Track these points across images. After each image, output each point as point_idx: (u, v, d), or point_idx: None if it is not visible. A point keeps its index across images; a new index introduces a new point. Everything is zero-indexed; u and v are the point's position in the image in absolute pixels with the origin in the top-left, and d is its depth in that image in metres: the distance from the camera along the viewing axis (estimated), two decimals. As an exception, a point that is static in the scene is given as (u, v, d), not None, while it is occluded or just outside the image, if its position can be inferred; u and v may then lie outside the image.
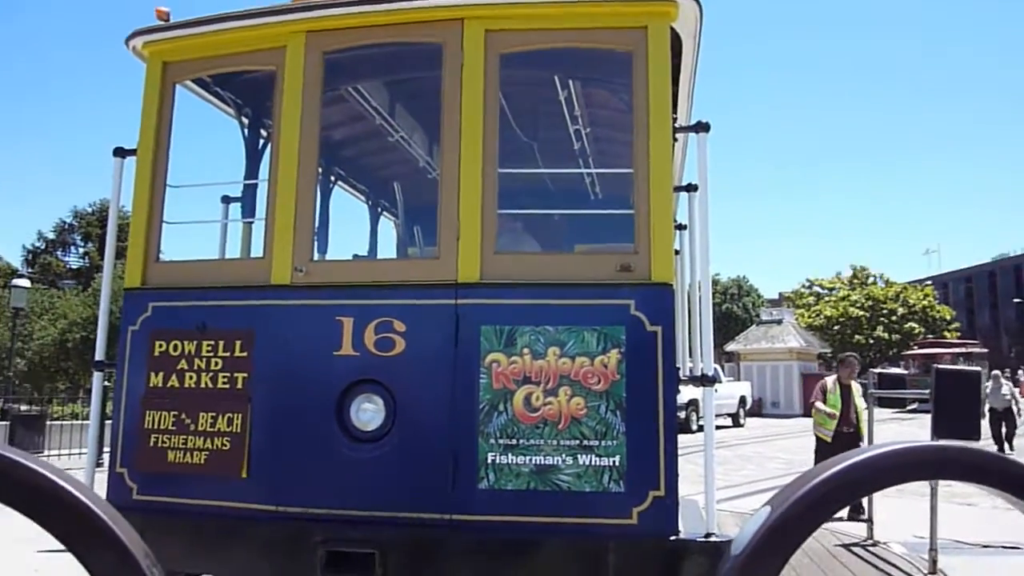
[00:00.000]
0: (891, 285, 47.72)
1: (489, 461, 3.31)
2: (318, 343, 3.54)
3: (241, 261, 4.39)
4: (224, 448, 3.60)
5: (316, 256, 3.78)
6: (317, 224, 5.49)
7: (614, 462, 3.28)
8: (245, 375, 3.64)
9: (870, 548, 7.41)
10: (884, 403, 8.71)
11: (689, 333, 5.40)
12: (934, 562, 6.39)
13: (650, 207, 3.47)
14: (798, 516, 0.88)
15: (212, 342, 3.72)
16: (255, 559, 3.41)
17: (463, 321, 3.42)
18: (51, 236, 46.25)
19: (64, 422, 18.13)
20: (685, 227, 5.30)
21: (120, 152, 4.13)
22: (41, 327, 28.87)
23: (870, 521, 7.66)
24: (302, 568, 3.25)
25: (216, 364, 3.71)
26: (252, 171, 4.97)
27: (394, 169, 6.41)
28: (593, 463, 3.28)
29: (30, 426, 16.93)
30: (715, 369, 3.56)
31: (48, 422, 17.55)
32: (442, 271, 3.52)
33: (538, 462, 3.30)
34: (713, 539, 3.22)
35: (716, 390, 3.51)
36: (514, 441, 3.31)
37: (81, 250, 46.95)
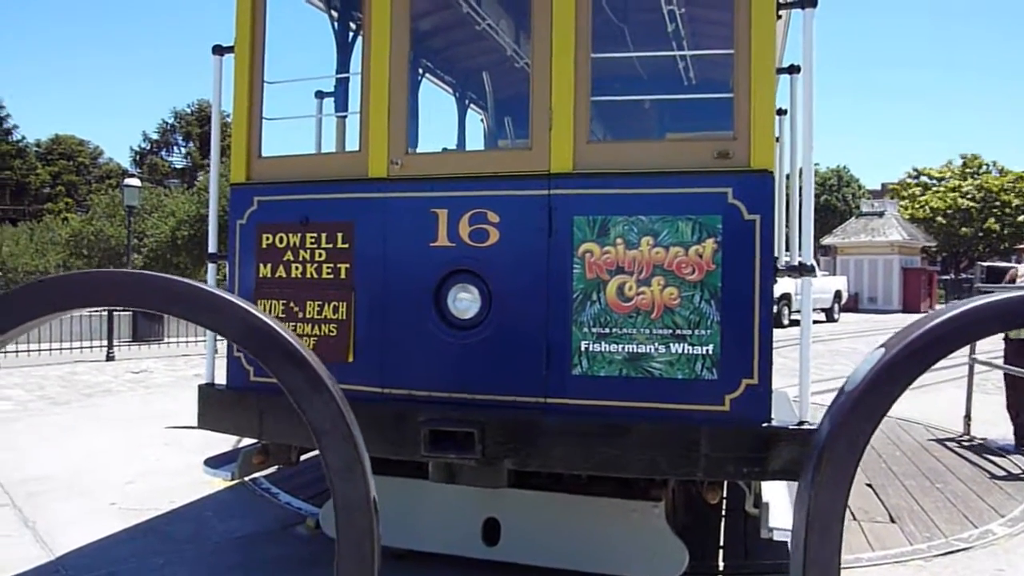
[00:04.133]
0: (1006, 174, 44.42)
1: (582, 349, 3.39)
2: (415, 234, 3.64)
3: (339, 155, 4.48)
4: (331, 334, 3.81)
5: (410, 149, 3.81)
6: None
7: (707, 350, 3.30)
8: (347, 265, 3.79)
9: (964, 443, 7.30)
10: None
11: (787, 223, 5.24)
12: None
13: (751, 89, 3.32)
14: (910, 356, 1.01)
15: (315, 234, 3.88)
16: (363, 436, 3.66)
17: (556, 211, 3.43)
18: (155, 137, 48.09)
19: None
20: (785, 112, 5.06)
21: (218, 50, 4.22)
22: (152, 224, 30.55)
23: (968, 417, 7.48)
24: (407, 445, 3.47)
25: (320, 255, 3.88)
26: (343, 65, 5.01)
27: (481, 59, 6.30)
28: (686, 351, 3.31)
29: (149, 315, 18.24)
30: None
31: (165, 312, 18.83)
32: (534, 161, 3.51)
33: (631, 350, 3.35)
34: (806, 427, 3.24)
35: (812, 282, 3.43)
36: (607, 330, 3.37)
37: (183, 150, 48.80)
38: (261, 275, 4.04)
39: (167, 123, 48.93)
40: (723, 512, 5.11)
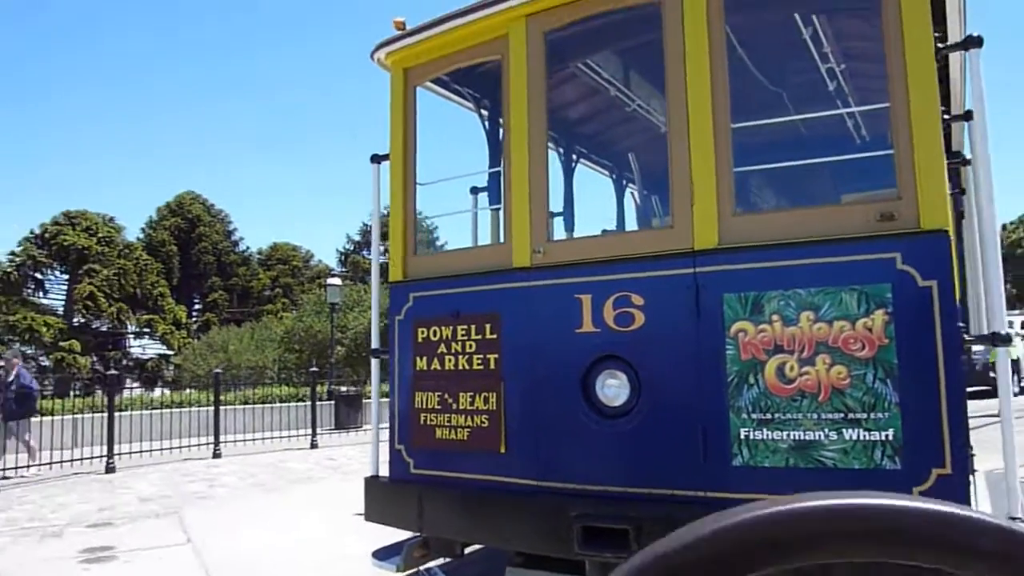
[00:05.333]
0: None
1: (742, 436, 3.12)
2: (559, 321, 3.59)
3: (486, 248, 4.60)
4: (483, 425, 3.81)
5: (554, 236, 3.82)
6: (560, 204, 5.58)
7: (887, 436, 2.91)
8: (496, 356, 3.81)
9: None
10: None
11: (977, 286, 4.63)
12: None
13: (912, 142, 3.01)
14: None
15: (465, 326, 3.95)
16: (515, 531, 3.57)
17: (703, 290, 3.25)
18: (357, 238, 52.49)
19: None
20: (969, 162, 4.54)
21: (376, 159, 4.53)
22: (354, 317, 33.02)
23: None
24: (560, 541, 3.33)
25: (470, 347, 3.93)
26: (495, 160, 5.19)
27: (633, 139, 6.30)
28: (861, 437, 2.94)
29: (350, 404, 19.51)
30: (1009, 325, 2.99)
31: (364, 400, 20.10)
32: (677, 239, 3.37)
33: (797, 437, 3.03)
34: (1020, 524, 2.72)
35: (1012, 351, 2.95)
36: (769, 415, 3.08)
37: (381, 248, 52.80)
38: (418, 368, 4.16)
39: (367, 225, 53.36)
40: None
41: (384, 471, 4.34)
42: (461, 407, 3.92)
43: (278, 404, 18.53)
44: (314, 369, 17.62)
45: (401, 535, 5.60)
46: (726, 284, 3.21)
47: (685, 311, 3.27)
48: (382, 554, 4.48)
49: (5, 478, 11.68)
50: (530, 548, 3.53)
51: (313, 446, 15.47)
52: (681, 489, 3.22)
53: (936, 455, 2.84)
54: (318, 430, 16.08)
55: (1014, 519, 2.74)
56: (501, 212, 5.32)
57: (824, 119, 5.04)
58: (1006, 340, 2.93)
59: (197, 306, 51.94)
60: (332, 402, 19.48)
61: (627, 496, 3.30)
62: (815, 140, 5.06)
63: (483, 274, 3.94)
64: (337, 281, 26.97)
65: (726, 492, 3.14)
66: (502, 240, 5.01)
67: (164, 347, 45.88)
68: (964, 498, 2.81)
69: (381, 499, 4.22)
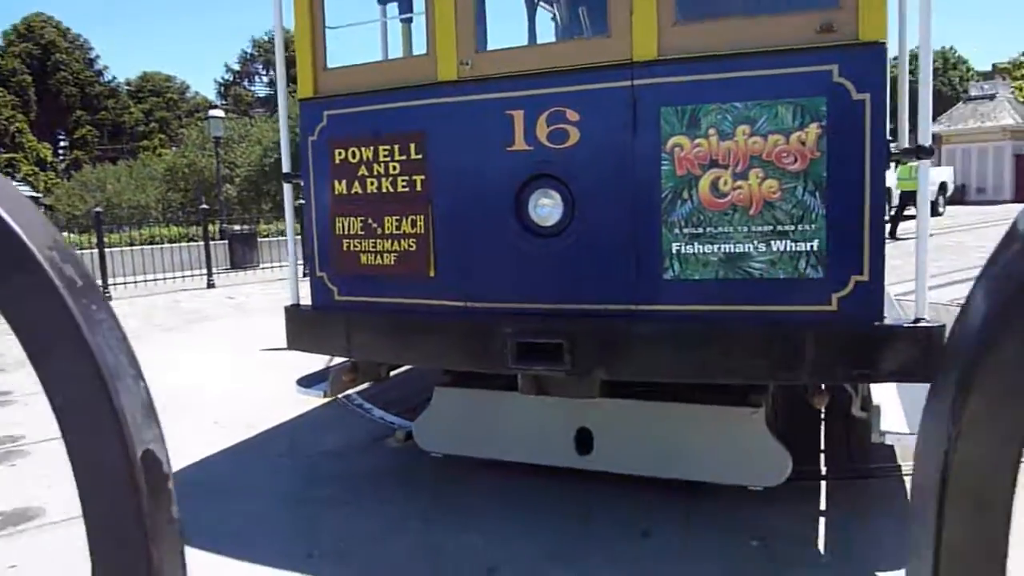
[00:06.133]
0: None
1: (674, 251, 3.17)
2: (489, 139, 3.45)
3: (405, 60, 4.29)
4: (411, 249, 3.71)
5: (479, 48, 3.57)
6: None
7: (812, 247, 3.03)
8: (422, 177, 3.65)
9: None
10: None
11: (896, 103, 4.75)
12: None
13: None
14: None
15: (388, 147, 3.74)
16: (449, 351, 3.60)
17: (641, 103, 3.16)
18: (236, 68, 48.77)
19: (272, 239, 20.09)
20: None
21: None
22: (241, 153, 31.31)
23: None
24: (494, 358, 3.38)
25: (394, 168, 3.74)
26: None
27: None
28: (788, 249, 3.05)
29: (244, 243, 18.89)
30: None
31: (259, 239, 19.50)
32: (615, 49, 3.22)
33: (727, 250, 3.11)
34: (923, 324, 2.96)
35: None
36: (701, 229, 3.13)
37: (265, 79, 49.43)
38: (337, 192, 3.95)
39: (247, 53, 49.48)
40: (822, 416, 4.92)
41: (305, 301, 4.23)
42: (387, 231, 3.79)
43: (167, 245, 17.72)
44: (205, 207, 16.76)
45: (318, 362, 5.62)
46: (664, 97, 3.13)
47: (621, 126, 3.19)
48: (306, 381, 4.46)
49: None
50: (464, 366, 3.59)
51: (210, 286, 15.03)
52: (613, 304, 3.28)
53: (856, 264, 2.99)
54: (213, 270, 15.57)
55: (918, 320, 2.96)
56: (414, 23, 4.97)
57: None
58: (929, 153, 3.03)
59: (63, 143, 47.74)
60: (225, 242, 18.79)
61: (561, 312, 3.35)
62: None
63: (405, 89, 3.69)
64: (220, 113, 25.21)
65: (656, 304, 3.23)
66: (415, 52, 4.69)
67: (29, 189, 42.46)
68: (879, 303, 2.99)
69: (305, 327, 4.14)
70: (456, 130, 3.53)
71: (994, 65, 47.97)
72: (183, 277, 15.58)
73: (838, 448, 4.51)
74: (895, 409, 3.39)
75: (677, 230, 3.15)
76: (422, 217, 3.67)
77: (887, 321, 3.01)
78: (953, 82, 41.93)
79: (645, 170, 3.17)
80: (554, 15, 6.40)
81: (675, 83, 3.13)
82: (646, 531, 3.49)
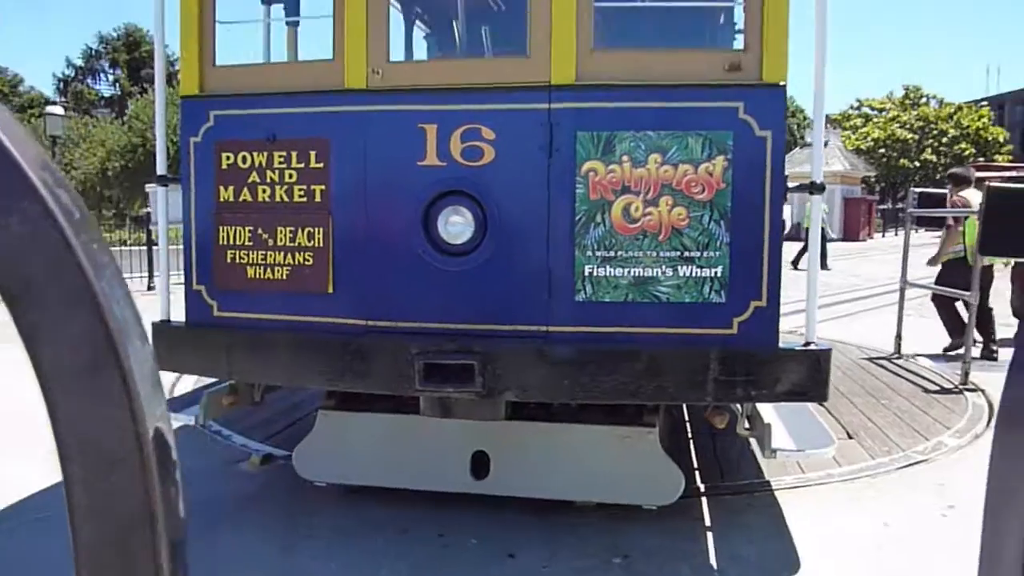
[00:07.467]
0: (945, 106, 45.46)
1: (586, 273, 3.19)
2: (400, 152, 3.33)
3: (309, 64, 4.08)
4: (307, 263, 3.51)
5: (391, 57, 3.45)
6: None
7: (716, 273, 3.14)
8: (323, 187, 3.47)
9: (895, 361, 7.50)
10: (923, 223, 8.17)
11: None
12: (966, 374, 6.44)
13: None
14: None
15: (284, 152, 3.53)
16: (347, 372, 3.41)
17: (557, 126, 3.17)
18: (79, 63, 45.27)
19: (115, 248, 18.63)
20: None
21: None
22: (80, 155, 28.96)
23: (899, 337, 7.67)
24: (398, 380, 3.24)
25: (290, 176, 3.53)
26: None
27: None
28: (694, 274, 3.15)
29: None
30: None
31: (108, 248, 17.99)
32: (533, 71, 3.21)
33: (637, 274, 3.17)
34: (813, 347, 3.16)
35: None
36: (612, 253, 3.17)
37: (111, 77, 46.12)
38: (222, 199, 3.67)
39: (92, 49, 45.98)
40: (689, 435, 5.11)
41: (176, 316, 3.88)
42: (279, 243, 3.56)
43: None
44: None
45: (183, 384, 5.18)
46: (580, 122, 3.16)
47: (537, 148, 3.18)
48: (177, 405, 4.11)
49: None
50: (364, 388, 3.41)
51: None
52: (525, 324, 3.24)
53: (755, 290, 3.13)
54: None
55: (808, 343, 3.13)
56: (300, 28, 4.76)
57: None
58: (821, 189, 3.23)
59: None
60: None
61: (471, 333, 3.27)
62: None
63: (307, 94, 3.50)
64: (59, 111, 23.28)
65: (568, 326, 3.23)
66: (300, 58, 4.49)
67: None
68: (775, 326, 3.14)
69: (177, 346, 3.78)
70: (363, 140, 3.38)
71: (827, 116, 52.82)
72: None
73: (710, 467, 4.67)
74: (779, 427, 3.57)
75: (590, 253, 3.17)
76: (321, 229, 3.48)
77: (782, 344, 3.17)
78: (792, 129, 45.81)
79: (560, 192, 3.17)
80: (428, 34, 6.28)
81: (592, 108, 3.17)
82: (511, 552, 3.46)
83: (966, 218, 7.12)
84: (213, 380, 4.28)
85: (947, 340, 7.72)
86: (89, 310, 0.49)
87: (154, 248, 14.28)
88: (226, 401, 3.92)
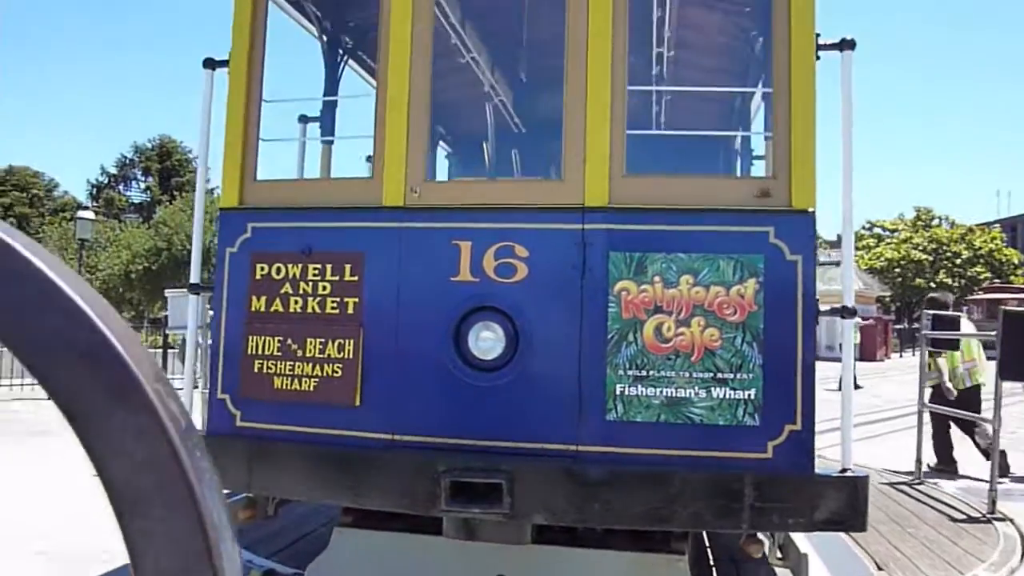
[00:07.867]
0: (956, 227, 46.06)
1: (618, 392, 3.15)
2: (434, 268, 3.39)
3: (348, 181, 4.22)
4: (335, 375, 3.50)
5: (428, 176, 3.57)
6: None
7: (749, 395, 3.10)
8: (356, 300, 3.51)
9: (916, 486, 7.25)
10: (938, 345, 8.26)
11: None
12: (993, 502, 6.21)
13: (790, 129, 3.21)
14: None
15: (319, 265, 3.59)
16: (371, 489, 3.32)
17: (590, 247, 3.22)
18: (113, 171, 47.07)
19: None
20: None
21: (211, 63, 3.93)
22: (106, 258, 29.62)
23: (919, 461, 7.47)
24: (423, 498, 3.16)
25: (324, 288, 3.58)
26: (331, 90, 4.79)
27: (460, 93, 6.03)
28: (727, 396, 3.11)
29: None
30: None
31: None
32: (568, 194, 3.30)
33: (669, 394, 3.13)
34: (850, 474, 3.06)
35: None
36: (644, 372, 3.15)
37: (142, 184, 47.79)
38: (254, 309, 3.71)
39: (126, 158, 47.95)
40: (711, 562, 4.91)
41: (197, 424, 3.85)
42: (308, 355, 3.57)
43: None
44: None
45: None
46: (613, 243, 3.21)
47: (570, 266, 3.23)
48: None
49: None
50: (388, 505, 3.31)
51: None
52: (555, 443, 3.19)
53: (790, 413, 3.08)
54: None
55: (845, 470, 3.04)
56: (334, 146, 4.96)
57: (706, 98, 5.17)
58: (852, 313, 3.23)
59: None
60: None
61: (499, 451, 3.21)
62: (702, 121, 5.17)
63: (345, 209, 3.60)
64: (89, 214, 23.98)
65: (599, 446, 3.17)
66: (332, 176, 4.64)
67: None
68: (810, 451, 3.07)
69: None
70: (398, 255, 3.45)
71: (839, 235, 53.52)
72: (23, 385, 13.97)
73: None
74: (813, 557, 3.43)
75: (622, 371, 3.15)
76: (352, 341, 3.49)
77: (819, 470, 3.08)
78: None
79: (592, 311, 3.19)
80: (450, 153, 6.51)
81: (624, 230, 3.23)
82: None
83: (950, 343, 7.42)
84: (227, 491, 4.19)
85: (967, 463, 7.81)
86: (192, 517, 0.52)
87: (170, 351, 14.34)
88: (243, 515, 3.82)
